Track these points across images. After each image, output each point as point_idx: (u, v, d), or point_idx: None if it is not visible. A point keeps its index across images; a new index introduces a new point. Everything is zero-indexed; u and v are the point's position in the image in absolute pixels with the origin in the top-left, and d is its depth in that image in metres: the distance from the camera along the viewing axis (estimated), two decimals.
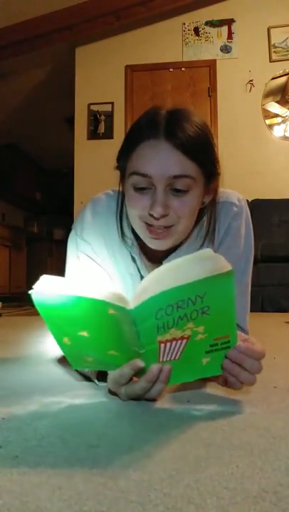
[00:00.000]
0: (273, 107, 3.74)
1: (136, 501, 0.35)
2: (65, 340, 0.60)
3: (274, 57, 3.74)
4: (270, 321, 2.26)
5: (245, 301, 0.90)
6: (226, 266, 0.52)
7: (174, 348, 0.58)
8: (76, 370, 0.83)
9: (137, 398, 0.64)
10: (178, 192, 0.74)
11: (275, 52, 3.74)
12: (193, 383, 0.71)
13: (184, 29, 3.86)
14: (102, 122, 3.93)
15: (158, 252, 0.83)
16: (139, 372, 0.61)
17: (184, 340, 0.58)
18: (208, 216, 0.85)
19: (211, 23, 3.82)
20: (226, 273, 0.52)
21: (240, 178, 3.40)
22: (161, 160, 0.72)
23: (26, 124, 5.53)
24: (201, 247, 0.85)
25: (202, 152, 0.74)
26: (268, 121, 3.75)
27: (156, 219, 0.74)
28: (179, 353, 0.59)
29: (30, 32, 3.72)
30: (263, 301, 3.01)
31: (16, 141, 5.98)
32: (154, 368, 0.58)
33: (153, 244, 0.79)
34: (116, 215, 0.87)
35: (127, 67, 3.90)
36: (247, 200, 3.15)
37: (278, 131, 3.74)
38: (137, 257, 0.88)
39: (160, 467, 0.42)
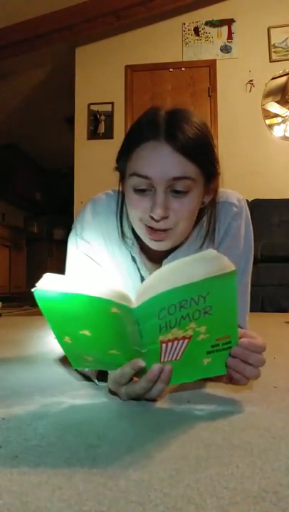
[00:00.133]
0: (273, 107, 3.74)
1: (136, 501, 0.35)
2: (67, 339, 0.60)
3: (274, 57, 3.74)
4: (270, 321, 2.26)
5: (245, 301, 0.90)
6: (230, 266, 0.52)
7: (176, 348, 0.58)
8: (76, 370, 0.83)
9: (138, 398, 0.64)
10: (178, 193, 0.74)
11: (275, 52, 3.74)
12: (193, 383, 0.71)
13: (183, 29, 3.86)
14: (102, 122, 3.93)
15: (158, 252, 0.83)
16: (140, 372, 0.61)
17: (186, 341, 0.58)
18: (208, 216, 0.85)
19: (211, 23, 3.82)
20: (229, 273, 0.52)
21: (240, 178, 3.40)
22: (162, 162, 0.72)
23: (26, 124, 5.53)
24: (201, 247, 0.85)
25: (202, 153, 0.74)
26: (268, 121, 3.75)
27: (157, 221, 0.74)
28: (180, 353, 0.59)
29: (30, 32, 3.71)
30: (263, 301, 3.01)
31: (16, 141, 5.98)
32: (155, 367, 0.58)
33: (153, 245, 0.79)
34: (116, 215, 0.87)
35: (127, 67, 3.90)
36: (247, 200, 3.15)
37: (278, 131, 3.74)
38: (136, 257, 0.88)
39: (160, 467, 0.42)
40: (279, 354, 1.11)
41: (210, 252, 0.54)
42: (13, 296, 5.06)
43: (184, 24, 3.85)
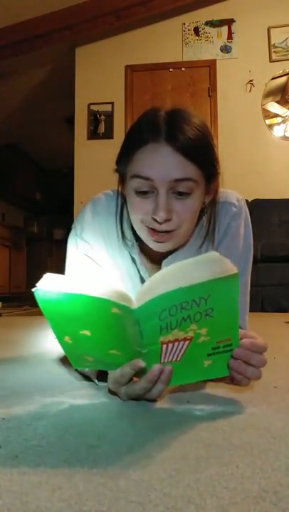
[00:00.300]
0: (273, 107, 3.74)
1: (136, 501, 0.35)
2: (67, 339, 0.60)
3: (274, 57, 3.74)
4: (270, 321, 2.26)
5: (245, 301, 0.90)
6: (232, 269, 0.52)
7: (176, 349, 0.58)
8: (76, 370, 0.83)
9: (137, 398, 0.64)
10: (180, 195, 0.74)
11: (275, 52, 3.74)
12: (193, 383, 0.71)
13: (183, 29, 3.86)
14: (102, 122, 3.93)
15: (158, 253, 0.83)
16: (140, 373, 0.61)
17: (186, 342, 0.58)
18: (208, 216, 0.85)
19: (211, 23, 3.82)
20: (231, 276, 0.52)
21: (240, 178, 3.40)
22: (163, 164, 0.72)
23: (26, 124, 5.53)
24: (201, 247, 0.85)
25: (203, 154, 0.74)
26: (268, 121, 3.75)
27: (160, 223, 0.74)
28: (180, 355, 0.59)
29: (30, 32, 3.71)
30: (263, 301, 3.01)
31: (16, 141, 5.98)
32: (155, 368, 0.58)
33: (155, 246, 0.79)
34: (115, 216, 0.87)
35: (127, 67, 3.90)
36: (247, 200, 3.16)
37: (278, 131, 3.74)
38: (136, 258, 0.88)
39: (160, 467, 0.42)
40: (279, 354, 1.11)
41: (212, 254, 0.54)
42: (13, 296, 5.06)
43: (184, 24, 3.85)
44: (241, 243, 0.88)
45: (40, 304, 0.55)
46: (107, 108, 3.93)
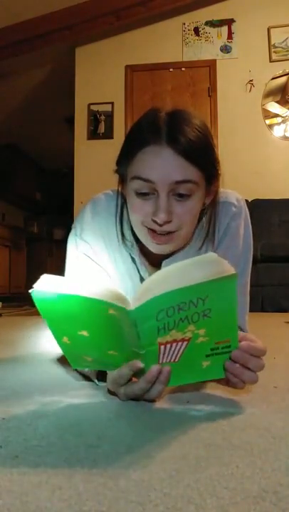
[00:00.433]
0: (273, 107, 3.74)
1: (136, 501, 0.35)
2: (65, 339, 0.60)
3: (274, 57, 3.74)
4: (270, 321, 2.26)
5: (245, 301, 0.90)
6: (230, 269, 0.52)
7: (174, 350, 0.58)
8: (76, 370, 0.83)
9: (136, 399, 0.64)
10: (181, 197, 0.74)
11: (275, 52, 3.74)
12: (193, 384, 0.71)
13: (183, 29, 3.86)
14: (102, 122, 3.93)
15: (158, 254, 0.83)
16: (139, 373, 0.61)
17: (184, 343, 0.58)
18: (208, 217, 0.85)
19: (211, 23, 3.82)
20: (228, 276, 0.52)
21: (240, 178, 3.40)
22: (164, 166, 0.72)
23: (26, 124, 5.53)
24: (201, 247, 0.85)
25: (203, 156, 0.74)
26: (268, 121, 3.75)
27: (160, 225, 0.74)
28: (178, 356, 0.59)
29: (30, 32, 3.71)
30: (263, 301, 3.01)
31: (16, 141, 5.98)
32: (154, 368, 0.58)
33: (156, 249, 0.79)
34: (115, 217, 0.87)
35: (127, 67, 3.90)
36: (247, 200, 3.16)
37: (278, 131, 3.74)
38: (136, 258, 0.88)
39: (160, 467, 0.42)
40: (279, 354, 1.11)
41: (210, 255, 0.54)
42: (13, 296, 5.06)
43: (184, 24, 3.85)
44: (241, 243, 0.87)
45: (37, 305, 0.55)
46: (107, 108, 3.93)
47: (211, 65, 3.80)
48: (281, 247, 3.03)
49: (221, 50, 3.81)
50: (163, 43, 3.88)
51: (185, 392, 0.71)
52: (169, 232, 0.76)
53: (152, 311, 0.53)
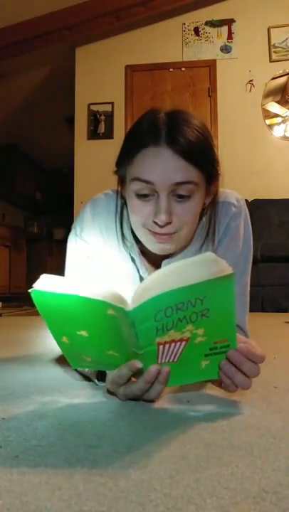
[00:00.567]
0: (273, 107, 3.74)
1: (136, 501, 0.35)
2: (64, 339, 0.60)
3: (274, 57, 3.74)
4: (270, 321, 2.26)
5: (244, 301, 0.90)
6: (227, 269, 0.52)
7: (173, 350, 0.58)
8: (76, 370, 0.83)
9: (136, 399, 0.64)
10: (181, 198, 0.74)
11: (275, 52, 3.74)
12: (193, 384, 0.71)
13: (184, 29, 3.86)
14: (102, 122, 3.93)
15: (158, 254, 0.83)
16: (138, 373, 0.61)
17: (183, 343, 0.58)
18: (208, 217, 0.85)
19: (211, 23, 3.82)
20: (226, 276, 0.52)
21: (240, 178, 3.41)
22: (164, 167, 0.71)
23: (26, 124, 5.53)
24: (201, 247, 0.85)
25: (203, 156, 0.74)
26: (268, 121, 3.75)
27: (161, 226, 0.74)
28: (177, 356, 0.59)
29: (29, 32, 3.71)
30: (263, 301, 3.01)
31: (16, 141, 5.98)
32: (153, 368, 0.58)
33: (158, 249, 0.79)
34: (115, 217, 0.87)
35: (127, 67, 3.90)
36: (247, 200, 3.16)
37: (278, 131, 3.74)
38: (136, 258, 0.88)
39: (160, 467, 0.42)
40: (279, 354, 1.11)
41: (208, 255, 0.54)
42: (13, 296, 5.06)
43: (184, 24, 3.85)
44: (241, 243, 0.87)
45: (36, 305, 0.55)
46: (107, 108, 3.93)
47: (211, 65, 3.80)
48: (281, 247, 3.03)
49: (221, 50, 3.81)
50: (163, 43, 3.88)
51: (185, 392, 0.71)
52: (169, 233, 0.76)
53: (150, 311, 0.53)
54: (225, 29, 3.80)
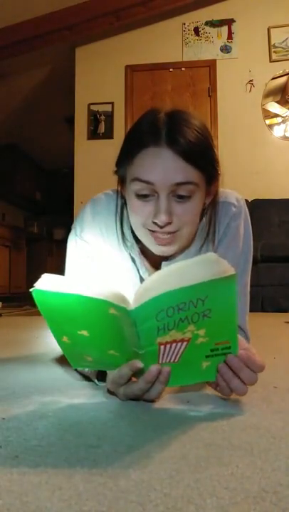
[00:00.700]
0: (273, 107, 3.74)
1: (136, 501, 0.36)
2: (65, 339, 0.60)
3: (274, 57, 3.74)
4: (270, 321, 2.26)
5: (245, 301, 0.90)
6: (229, 270, 0.52)
7: (174, 350, 0.58)
8: (76, 370, 0.83)
9: (136, 399, 0.64)
10: (181, 198, 0.74)
11: (275, 52, 3.74)
12: (194, 384, 0.71)
13: (184, 29, 3.86)
14: (102, 122, 3.93)
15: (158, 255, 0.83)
16: (138, 373, 0.61)
17: (184, 343, 0.58)
18: (208, 217, 0.85)
19: (211, 23, 3.82)
20: (228, 277, 0.52)
21: (240, 179, 3.40)
22: (164, 167, 0.71)
23: (26, 124, 5.53)
24: (201, 247, 0.85)
25: (203, 157, 0.74)
26: (268, 121, 3.75)
27: (161, 227, 0.74)
28: (178, 356, 0.59)
29: (29, 32, 3.71)
30: (263, 301, 3.01)
31: (16, 141, 5.98)
32: (153, 368, 0.58)
33: (158, 250, 0.79)
34: (115, 217, 0.87)
35: (127, 67, 3.90)
36: (247, 200, 3.16)
37: (278, 131, 3.74)
38: (136, 258, 0.88)
39: (160, 467, 0.42)
40: (279, 354, 1.11)
41: (210, 255, 0.54)
42: (13, 296, 5.06)
43: (184, 24, 3.85)
44: (241, 243, 0.87)
45: (37, 304, 0.55)
46: (107, 108, 3.93)
47: (211, 65, 3.80)
48: (281, 247, 3.03)
49: (221, 50, 3.81)
50: (163, 43, 3.88)
51: (185, 392, 0.71)
52: (170, 233, 0.76)
53: (152, 311, 0.53)
54: (225, 29, 3.80)
